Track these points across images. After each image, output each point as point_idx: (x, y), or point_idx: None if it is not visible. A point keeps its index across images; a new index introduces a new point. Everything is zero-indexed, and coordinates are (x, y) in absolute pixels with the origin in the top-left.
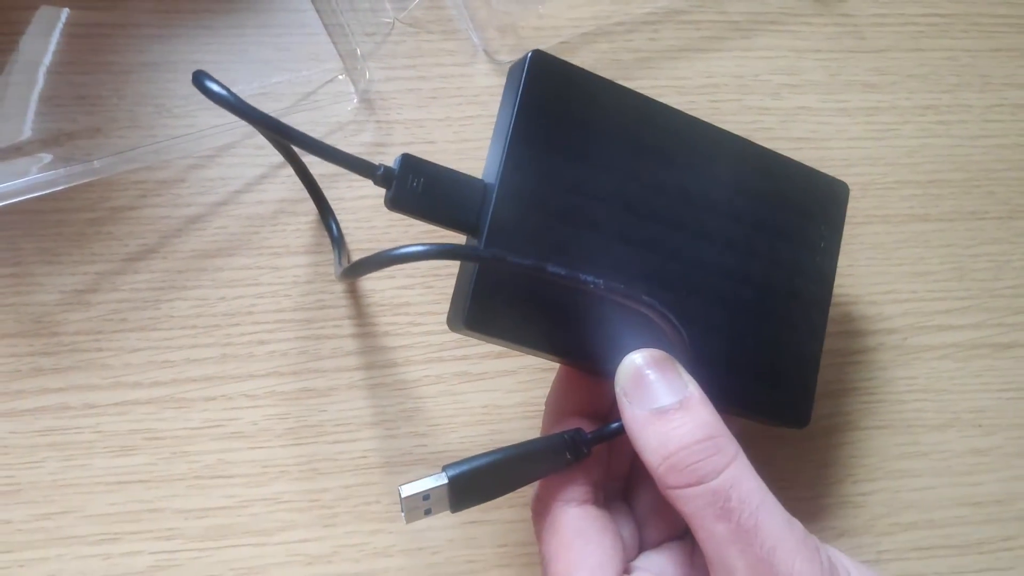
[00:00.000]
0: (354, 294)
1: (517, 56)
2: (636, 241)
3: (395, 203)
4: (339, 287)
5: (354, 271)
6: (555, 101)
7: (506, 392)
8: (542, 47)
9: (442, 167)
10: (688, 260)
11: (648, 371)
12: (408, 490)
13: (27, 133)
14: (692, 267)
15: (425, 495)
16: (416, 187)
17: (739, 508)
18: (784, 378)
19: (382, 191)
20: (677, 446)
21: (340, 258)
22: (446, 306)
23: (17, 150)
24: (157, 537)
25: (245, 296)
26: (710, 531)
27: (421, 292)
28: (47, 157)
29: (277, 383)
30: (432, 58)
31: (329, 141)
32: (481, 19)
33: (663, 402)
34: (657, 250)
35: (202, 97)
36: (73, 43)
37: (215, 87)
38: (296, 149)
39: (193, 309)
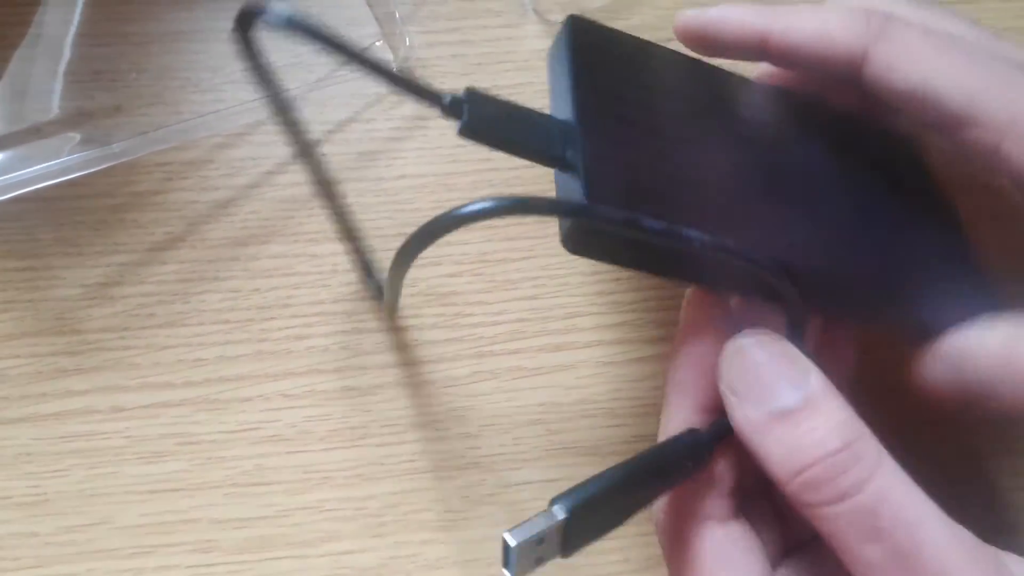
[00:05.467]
0: None
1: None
2: (730, 195)
3: (471, 129)
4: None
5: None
6: (606, 62)
7: (565, 389)
8: (603, 2)
9: (509, 101)
10: (791, 204)
11: (760, 361)
12: (518, 536)
13: (55, 111)
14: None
15: (539, 539)
16: (491, 113)
17: (892, 527)
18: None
19: (426, 171)
20: (811, 459)
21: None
22: (497, 295)
23: (49, 127)
24: (192, 550)
25: (281, 287)
26: (857, 555)
27: (469, 280)
28: (77, 137)
29: (317, 381)
30: (477, 19)
31: (367, 116)
32: None
33: (783, 401)
34: (750, 200)
35: (229, 70)
36: (88, 12)
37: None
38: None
39: (225, 302)
